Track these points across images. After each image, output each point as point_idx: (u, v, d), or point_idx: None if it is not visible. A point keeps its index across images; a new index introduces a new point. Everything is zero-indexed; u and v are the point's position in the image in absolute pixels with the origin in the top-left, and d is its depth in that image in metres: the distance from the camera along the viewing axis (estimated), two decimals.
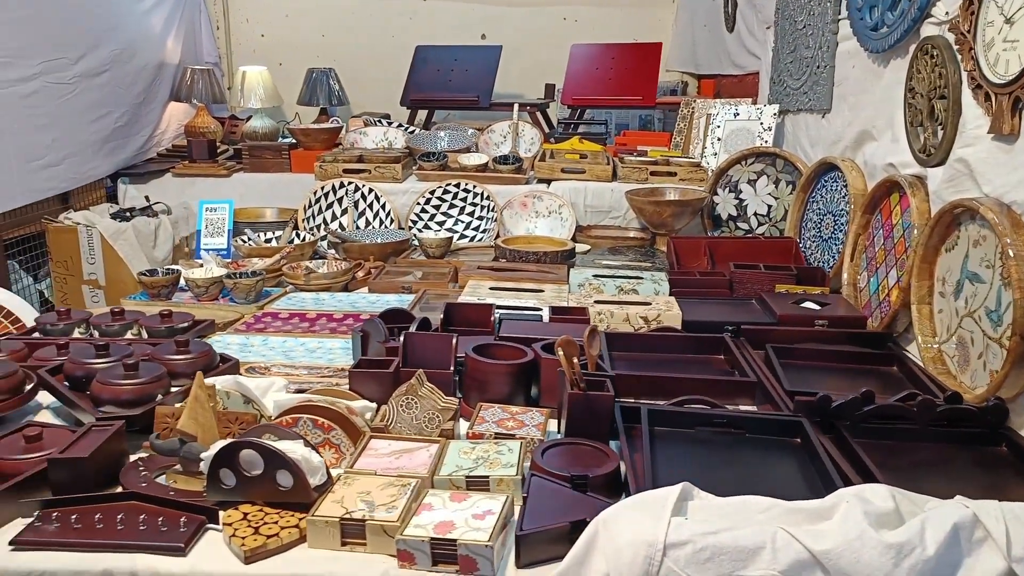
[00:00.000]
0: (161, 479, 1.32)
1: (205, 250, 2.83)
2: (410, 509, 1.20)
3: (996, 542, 1.06)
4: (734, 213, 2.96)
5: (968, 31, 1.70)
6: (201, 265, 2.52)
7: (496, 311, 2.00)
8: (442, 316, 1.96)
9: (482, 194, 3.17)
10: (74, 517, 1.18)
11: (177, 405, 1.46)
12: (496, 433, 1.45)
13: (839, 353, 1.87)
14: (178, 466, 1.33)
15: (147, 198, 3.41)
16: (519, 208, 3.12)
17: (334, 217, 3.20)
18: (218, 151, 3.66)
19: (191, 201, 3.42)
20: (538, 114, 4.38)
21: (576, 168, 3.24)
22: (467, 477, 1.29)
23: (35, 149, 2.98)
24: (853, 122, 2.39)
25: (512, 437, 1.44)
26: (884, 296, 2.02)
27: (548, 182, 3.25)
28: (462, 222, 3.18)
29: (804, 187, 2.61)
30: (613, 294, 2.26)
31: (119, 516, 1.18)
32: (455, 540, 1.12)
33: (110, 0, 3.45)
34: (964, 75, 1.74)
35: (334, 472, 1.32)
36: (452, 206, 3.20)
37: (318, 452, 1.30)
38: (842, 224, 2.38)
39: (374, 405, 1.53)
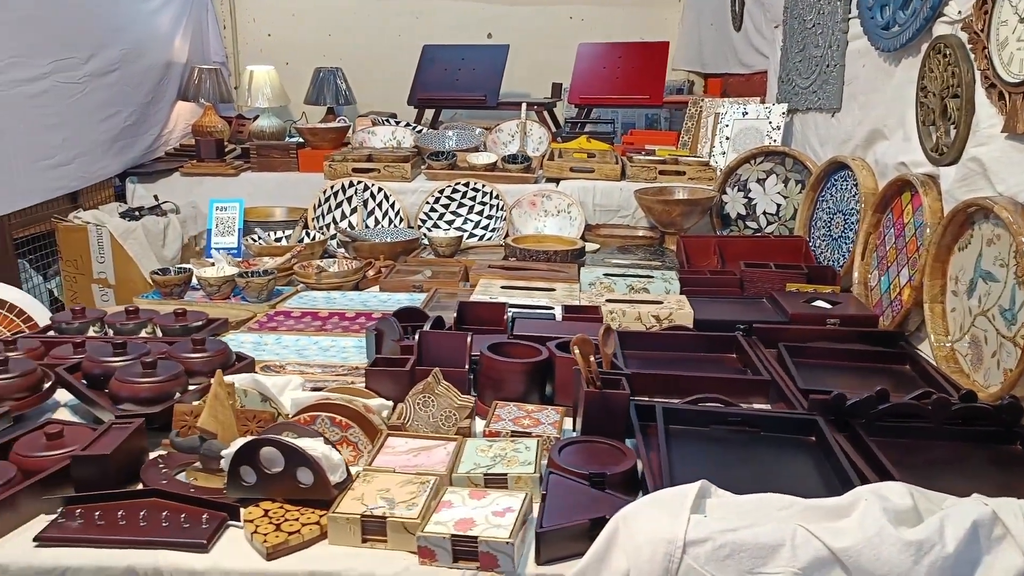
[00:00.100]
0: (181, 476, 1.33)
1: (216, 249, 2.84)
2: (430, 506, 1.21)
3: (1016, 539, 1.06)
4: (743, 212, 2.96)
5: (982, 30, 1.70)
6: (212, 264, 2.53)
7: (509, 310, 2.01)
8: (455, 315, 1.97)
9: (491, 193, 3.18)
10: (97, 514, 1.18)
11: (195, 403, 1.47)
12: (512, 431, 1.46)
13: (851, 352, 1.87)
14: (198, 463, 1.34)
15: (156, 197, 3.42)
16: (528, 207, 3.13)
17: (343, 216, 3.21)
18: (226, 150, 3.67)
19: (199, 200, 3.44)
20: (545, 113, 4.39)
21: (585, 167, 3.25)
22: (485, 475, 1.30)
23: (45, 148, 2.99)
24: (863, 121, 2.40)
25: (528, 435, 1.44)
26: (896, 295, 2.02)
27: (557, 181, 3.26)
28: (471, 221, 3.19)
29: (814, 186, 2.62)
30: (624, 293, 2.27)
31: (141, 513, 1.19)
32: (476, 537, 1.13)
33: (118, 0, 3.46)
34: (977, 74, 1.74)
35: (352, 470, 1.33)
36: (461, 205, 3.21)
37: (337, 450, 1.31)
38: (852, 223, 2.38)
39: (390, 403, 1.54)
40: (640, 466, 1.36)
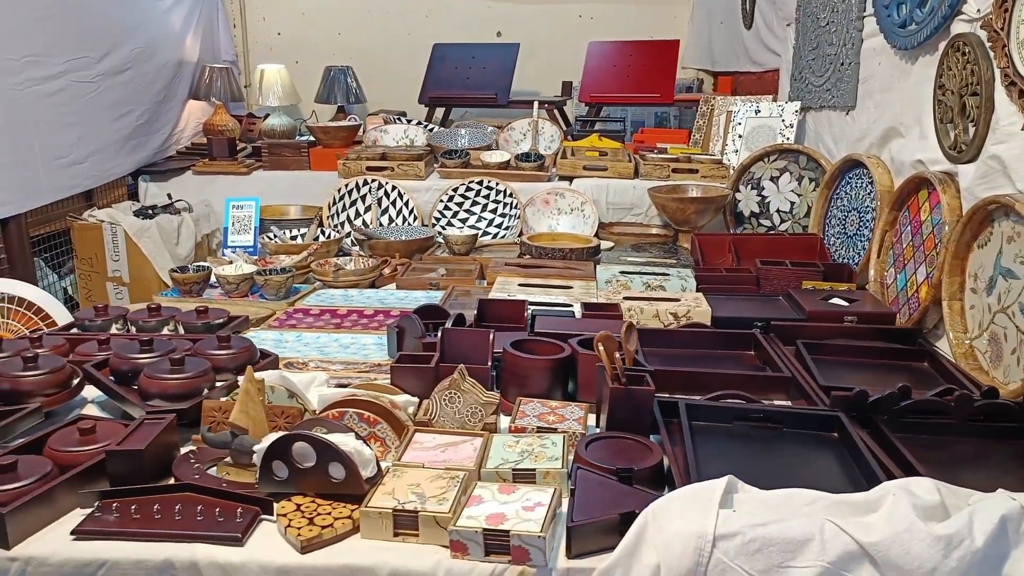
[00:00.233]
0: (212, 471, 1.35)
1: (232, 247, 2.86)
2: (460, 501, 1.22)
3: None
4: (756, 210, 2.97)
5: (1001, 28, 1.71)
6: (230, 262, 2.54)
7: (529, 307, 2.02)
8: (476, 312, 1.98)
9: (504, 191, 3.19)
10: (133, 507, 1.20)
11: (223, 399, 1.48)
12: (538, 427, 1.47)
13: (869, 349, 1.88)
14: (229, 458, 1.36)
15: (169, 196, 3.43)
16: (541, 205, 3.14)
17: (358, 214, 3.22)
18: (237, 149, 3.68)
19: (212, 199, 3.46)
20: (555, 111, 4.39)
21: (598, 165, 3.26)
22: (514, 470, 1.31)
23: (60, 147, 3.01)
24: (879, 119, 2.40)
25: (554, 431, 1.46)
26: (913, 292, 2.03)
27: (570, 179, 3.27)
28: (485, 219, 3.20)
29: (828, 184, 2.63)
30: (640, 290, 2.28)
31: (177, 507, 1.20)
32: (508, 531, 1.14)
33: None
34: (997, 72, 1.75)
35: (381, 465, 1.34)
36: (475, 203, 3.22)
37: (368, 445, 1.32)
38: (867, 221, 2.39)
39: (416, 400, 1.56)
40: (666, 462, 1.37)
